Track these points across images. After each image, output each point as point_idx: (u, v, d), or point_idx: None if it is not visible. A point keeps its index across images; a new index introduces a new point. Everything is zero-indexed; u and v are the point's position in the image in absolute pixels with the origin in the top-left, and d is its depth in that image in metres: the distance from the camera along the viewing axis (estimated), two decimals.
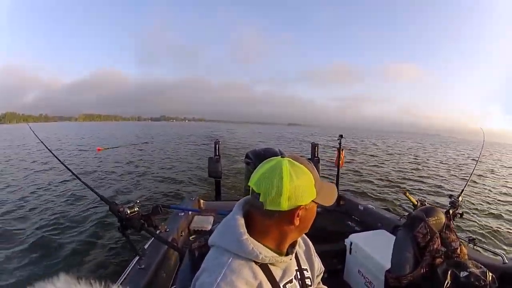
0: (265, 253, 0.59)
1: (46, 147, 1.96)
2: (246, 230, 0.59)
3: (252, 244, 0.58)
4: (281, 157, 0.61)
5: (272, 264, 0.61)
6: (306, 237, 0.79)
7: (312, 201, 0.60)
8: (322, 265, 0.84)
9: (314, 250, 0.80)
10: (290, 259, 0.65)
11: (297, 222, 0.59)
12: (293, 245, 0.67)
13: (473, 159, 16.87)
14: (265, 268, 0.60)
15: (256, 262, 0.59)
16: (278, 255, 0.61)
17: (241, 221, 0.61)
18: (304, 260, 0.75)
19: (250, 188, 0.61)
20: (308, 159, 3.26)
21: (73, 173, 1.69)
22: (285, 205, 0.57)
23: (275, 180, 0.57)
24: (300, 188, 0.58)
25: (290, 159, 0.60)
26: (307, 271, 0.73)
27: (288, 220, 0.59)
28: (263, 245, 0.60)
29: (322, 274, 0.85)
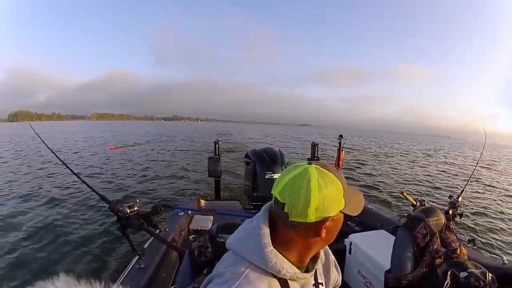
0: (288, 269, 0.55)
1: (47, 146, 1.96)
2: (270, 241, 0.55)
3: (276, 258, 0.54)
4: (308, 163, 0.57)
5: (291, 279, 0.58)
6: (327, 247, 0.74)
7: (340, 211, 0.56)
8: (339, 277, 0.81)
9: (334, 261, 0.77)
10: (311, 276, 0.62)
11: (324, 234, 0.55)
12: (314, 258, 0.63)
13: (474, 159, 16.88)
14: (283, 283, 0.56)
15: (275, 276, 0.55)
16: (300, 272, 0.57)
17: (267, 230, 0.57)
18: (321, 273, 0.72)
19: (273, 197, 0.57)
20: (308, 159, 3.25)
21: (73, 172, 1.69)
22: (312, 217, 0.53)
23: (303, 190, 0.52)
24: (329, 198, 0.53)
25: (318, 166, 0.56)
26: (322, 285, 0.70)
27: (314, 232, 0.55)
28: (285, 257, 0.56)
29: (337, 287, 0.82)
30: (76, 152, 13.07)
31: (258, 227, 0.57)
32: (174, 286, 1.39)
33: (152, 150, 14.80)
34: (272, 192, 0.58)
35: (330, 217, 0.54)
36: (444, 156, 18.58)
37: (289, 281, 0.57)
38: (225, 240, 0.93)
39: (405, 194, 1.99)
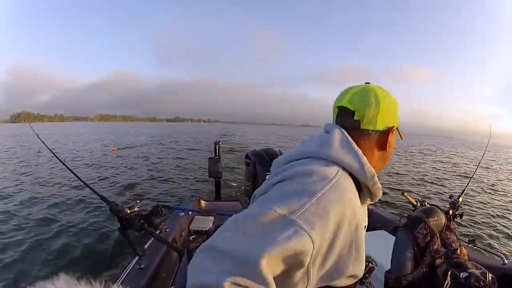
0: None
1: (47, 147, 1.96)
2: None
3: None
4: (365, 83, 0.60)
5: (364, 198, 0.55)
6: None
7: (396, 128, 0.58)
8: None
9: None
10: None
11: (387, 146, 0.57)
12: None
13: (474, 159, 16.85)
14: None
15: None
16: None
17: (350, 137, 0.54)
18: None
19: (339, 109, 0.58)
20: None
21: (73, 173, 1.70)
22: (380, 126, 0.56)
23: (372, 98, 0.55)
24: (391, 108, 0.56)
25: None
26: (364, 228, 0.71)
27: (381, 142, 0.57)
28: None
29: None
30: (77, 153, 13.08)
31: (341, 133, 0.55)
32: (174, 286, 1.39)
33: (154, 150, 14.82)
34: (339, 105, 0.58)
35: (392, 127, 0.57)
36: (445, 156, 18.56)
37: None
38: None
39: (405, 194, 1.99)
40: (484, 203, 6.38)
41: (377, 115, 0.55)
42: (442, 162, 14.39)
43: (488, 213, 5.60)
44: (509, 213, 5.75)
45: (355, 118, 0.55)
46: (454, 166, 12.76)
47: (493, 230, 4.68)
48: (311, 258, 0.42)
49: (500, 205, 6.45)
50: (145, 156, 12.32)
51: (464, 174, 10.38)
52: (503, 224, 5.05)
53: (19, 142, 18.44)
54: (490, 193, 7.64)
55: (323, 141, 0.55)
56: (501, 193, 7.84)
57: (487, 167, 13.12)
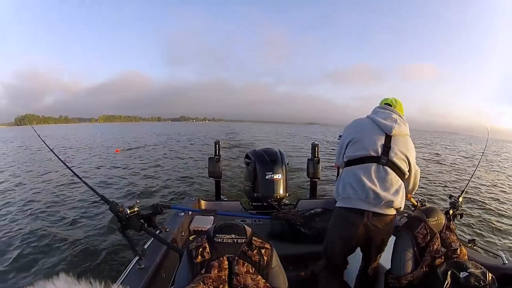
0: None
1: (49, 148, 1.96)
2: None
3: None
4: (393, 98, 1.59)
5: None
6: None
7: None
8: None
9: None
10: None
11: None
12: None
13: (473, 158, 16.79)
14: None
15: None
16: None
17: None
18: None
19: (384, 103, 1.55)
20: (309, 159, 3.21)
21: (74, 173, 1.69)
22: (400, 111, 1.50)
23: (398, 101, 1.55)
24: (402, 106, 1.56)
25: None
26: None
27: None
28: None
29: None
30: (80, 154, 13.10)
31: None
32: (174, 286, 1.39)
33: (155, 150, 14.82)
34: (385, 103, 1.56)
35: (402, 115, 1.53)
36: (446, 154, 18.49)
37: None
38: (223, 240, 0.93)
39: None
40: (484, 202, 6.38)
41: (398, 107, 1.53)
42: (448, 162, 14.35)
43: (488, 213, 5.60)
44: (509, 212, 5.75)
45: (392, 107, 1.51)
46: (437, 156, 12.74)
47: (493, 229, 4.68)
48: None
49: (500, 204, 6.44)
50: (146, 156, 12.33)
51: (448, 163, 10.31)
52: (503, 223, 5.05)
53: (23, 146, 18.47)
54: (489, 192, 7.64)
55: (402, 120, 1.45)
56: (500, 191, 7.83)
57: (497, 164, 13.08)
